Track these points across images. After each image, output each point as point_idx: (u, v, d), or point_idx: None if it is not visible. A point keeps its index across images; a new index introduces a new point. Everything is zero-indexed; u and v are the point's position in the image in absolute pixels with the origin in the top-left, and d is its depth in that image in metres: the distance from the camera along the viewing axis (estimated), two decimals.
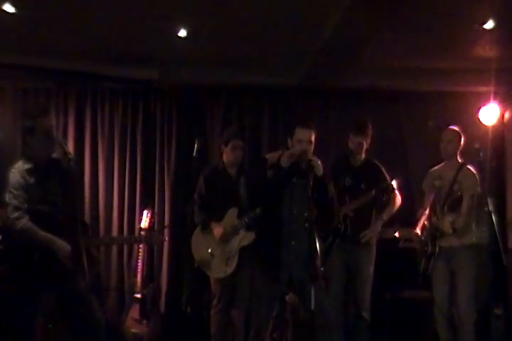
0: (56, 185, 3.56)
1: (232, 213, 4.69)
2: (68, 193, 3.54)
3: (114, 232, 5.86)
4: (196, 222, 4.78)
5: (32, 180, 3.50)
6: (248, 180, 4.83)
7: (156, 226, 5.77)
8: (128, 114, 6.01)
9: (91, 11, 4.35)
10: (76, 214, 3.58)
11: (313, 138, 3.85)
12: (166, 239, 3.96)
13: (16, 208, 3.46)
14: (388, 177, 4.78)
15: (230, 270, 4.63)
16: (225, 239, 4.65)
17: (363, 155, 4.83)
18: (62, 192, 3.54)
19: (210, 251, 4.68)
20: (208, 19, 4.49)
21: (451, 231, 4.40)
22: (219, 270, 4.64)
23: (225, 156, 4.84)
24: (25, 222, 3.45)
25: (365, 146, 4.77)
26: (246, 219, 4.62)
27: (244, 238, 4.67)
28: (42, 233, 3.46)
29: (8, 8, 4.23)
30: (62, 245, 3.45)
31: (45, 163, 3.57)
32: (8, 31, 4.70)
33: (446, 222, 4.42)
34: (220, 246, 4.66)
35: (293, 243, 3.82)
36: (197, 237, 4.76)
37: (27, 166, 3.54)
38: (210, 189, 4.79)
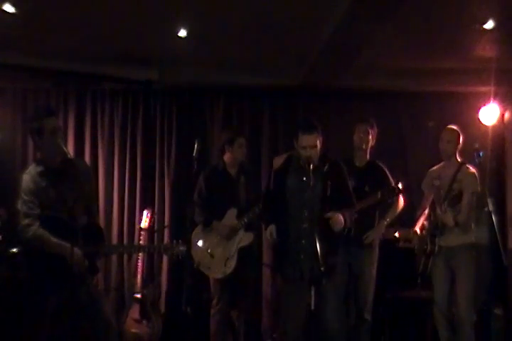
0: (69, 186, 3.51)
1: (231, 213, 4.69)
2: (81, 194, 3.51)
3: (114, 232, 5.86)
4: (197, 221, 4.78)
5: (44, 183, 3.48)
6: (248, 180, 4.84)
7: (156, 226, 5.78)
8: (128, 114, 6.01)
9: (91, 11, 4.34)
10: (90, 218, 3.57)
11: (318, 142, 3.85)
12: (186, 248, 3.96)
13: (26, 215, 3.44)
14: (392, 179, 4.78)
15: (229, 270, 4.63)
16: (226, 240, 4.65)
17: (368, 156, 4.84)
18: (74, 193, 3.50)
19: (209, 251, 4.68)
20: (208, 19, 4.49)
21: (453, 223, 4.39)
22: (218, 270, 4.64)
23: (228, 155, 4.84)
24: (35, 228, 3.42)
25: (370, 137, 4.77)
26: (245, 220, 4.62)
27: (244, 238, 4.68)
28: (54, 240, 3.42)
29: (8, 8, 4.22)
30: (75, 251, 3.39)
31: (57, 163, 3.53)
32: (8, 31, 4.70)
33: (448, 216, 4.41)
34: (219, 247, 4.66)
35: (303, 242, 3.83)
36: (196, 237, 4.76)
37: (39, 169, 3.52)
38: (210, 189, 4.80)
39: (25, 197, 3.45)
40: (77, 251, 3.39)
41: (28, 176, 3.50)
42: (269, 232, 3.97)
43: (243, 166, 4.91)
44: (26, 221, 3.43)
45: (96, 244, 3.56)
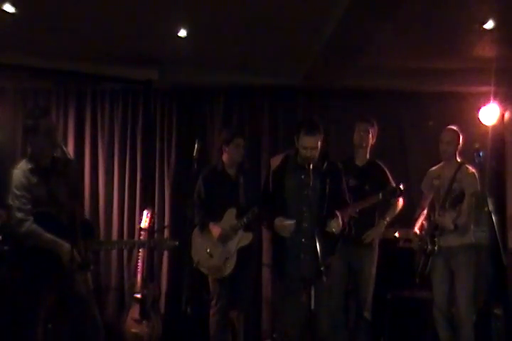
0: (59, 184, 3.55)
1: (230, 213, 4.69)
2: (71, 192, 3.53)
3: (114, 232, 5.87)
4: (195, 222, 4.78)
5: (35, 180, 3.49)
6: (247, 180, 4.83)
7: (156, 226, 5.78)
8: (128, 114, 6.01)
9: (91, 11, 4.35)
10: (79, 214, 3.58)
11: (319, 143, 3.86)
12: (177, 243, 3.97)
13: (19, 210, 3.44)
14: (392, 179, 4.78)
15: (228, 270, 4.62)
16: (224, 239, 4.65)
17: (368, 155, 4.84)
18: (65, 191, 3.53)
19: (208, 251, 4.67)
20: (208, 19, 4.49)
21: (452, 227, 4.39)
22: (217, 270, 4.63)
23: (226, 156, 4.83)
24: (29, 224, 3.43)
25: (370, 135, 4.78)
26: (245, 220, 4.61)
27: (243, 238, 4.67)
28: (47, 235, 3.44)
29: (8, 8, 4.23)
30: (68, 248, 3.42)
31: (47, 162, 3.57)
32: (8, 31, 4.70)
33: (448, 219, 4.41)
34: (218, 247, 4.66)
35: (303, 241, 3.84)
36: (196, 238, 4.75)
37: (30, 166, 3.53)
38: (209, 190, 4.78)
39: (17, 193, 3.46)
40: (70, 247, 3.41)
41: (19, 172, 3.51)
42: (280, 224, 3.86)
43: (242, 166, 4.90)
44: (20, 216, 3.44)
45: (87, 240, 3.56)
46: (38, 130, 3.50)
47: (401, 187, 4.59)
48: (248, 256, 4.73)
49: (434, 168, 4.75)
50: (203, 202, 4.77)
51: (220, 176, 4.81)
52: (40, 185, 3.51)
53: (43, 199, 3.50)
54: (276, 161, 4.05)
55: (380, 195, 4.57)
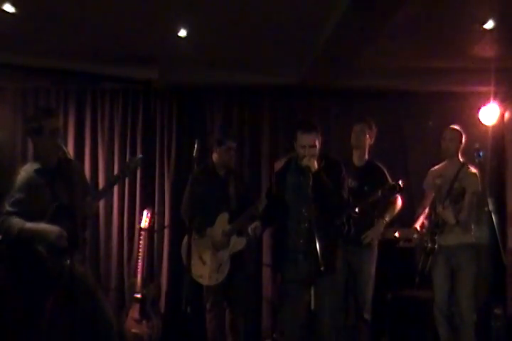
0: (64, 185, 3.53)
1: (223, 218, 4.63)
2: (75, 194, 3.53)
3: (114, 232, 5.86)
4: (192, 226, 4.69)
5: (39, 181, 3.50)
6: (238, 182, 4.79)
7: (156, 226, 5.78)
8: (128, 114, 6.01)
9: (91, 11, 4.35)
10: (80, 217, 3.57)
11: (317, 141, 3.85)
12: (141, 156, 3.92)
13: (8, 211, 3.45)
14: (390, 179, 4.77)
15: (221, 277, 4.57)
16: (218, 246, 4.60)
17: (366, 156, 4.84)
18: (70, 192, 3.53)
19: (201, 258, 4.62)
20: (208, 19, 4.49)
21: (454, 221, 4.38)
22: (211, 277, 4.58)
23: (216, 156, 4.79)
24: (12, 217, 3.43)
25: (367, 136, 4.77)
26: (238, 225, 4.56)
27: (236, 244, 4.62)
28: (29, 223, 3.42)
29: (8, 8, 4.23)
30: (52, 228, 3.42)
31: (53, 163, 3.57)
32: (8, 31, 4.70)
33: (450, 213, 4.40)
34: (211, 253, 4.60)
35: (301, 241, 3.84)
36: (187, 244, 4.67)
37: (35, 167, 3.54)
38: (199, 189, 4.66)
39: (15, 194, 3.47)
40: (54, 227, 3.41)
41: (25, 173, 3.52)
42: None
43: (232, 169, 4.86)
44: (4, 216, 3.45)
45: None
46: (42, 131, 3.49)
47: (400, 183, 4.57)
48: (242, 261, 4.68)
49: (436, 167, 4.76)
50: (194, 202, 4.61)
51: (210, 175, 4.74)
52: (44, 186, 3.51)
53: (47, 200, 3.50)
54: (279, 164, 4.07)
55: (380, 192, 4.55)
